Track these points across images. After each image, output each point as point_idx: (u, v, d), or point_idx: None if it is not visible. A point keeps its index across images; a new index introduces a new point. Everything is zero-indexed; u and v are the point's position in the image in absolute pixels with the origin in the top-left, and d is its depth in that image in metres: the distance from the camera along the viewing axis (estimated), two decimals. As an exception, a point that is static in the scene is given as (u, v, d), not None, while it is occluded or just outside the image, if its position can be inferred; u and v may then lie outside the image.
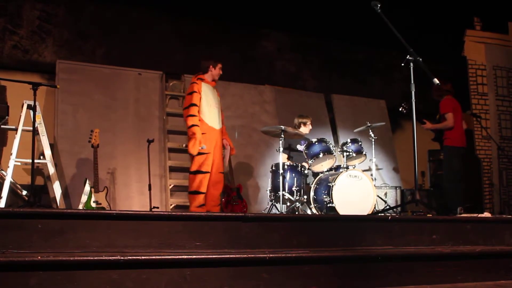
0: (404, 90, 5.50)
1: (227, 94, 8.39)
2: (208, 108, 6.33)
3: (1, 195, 5.89)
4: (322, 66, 9.81)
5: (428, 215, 4.97)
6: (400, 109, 6.94)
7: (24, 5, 7.75)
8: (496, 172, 8.62)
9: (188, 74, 8.27)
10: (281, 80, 9.42)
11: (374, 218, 4.69)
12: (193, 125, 6.18)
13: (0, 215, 2.95)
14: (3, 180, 6.14)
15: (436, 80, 5.01)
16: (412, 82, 5.01)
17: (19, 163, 6.21)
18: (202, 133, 6.19)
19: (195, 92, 6.29)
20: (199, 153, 6.16)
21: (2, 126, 6.20)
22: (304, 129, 7.33)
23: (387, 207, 7.06)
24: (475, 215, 5.53)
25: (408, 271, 3.41)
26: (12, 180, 6.13)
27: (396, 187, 8.34)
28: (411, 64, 5.03)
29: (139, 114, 7.95)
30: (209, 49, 8.52)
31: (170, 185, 7.75)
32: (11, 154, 6.12)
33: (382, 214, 5.84)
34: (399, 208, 7.07)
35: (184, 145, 6.23)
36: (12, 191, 6.44)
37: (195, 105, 6.24)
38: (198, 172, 6.20)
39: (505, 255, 3.79)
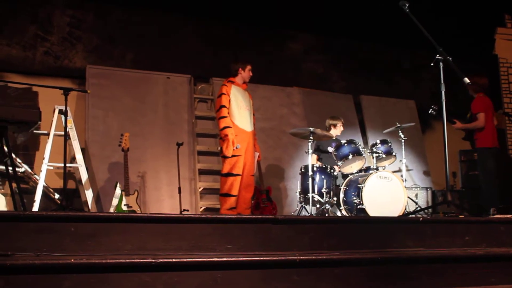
0: (433, 90, 5.45)
1: (256, 96, 8.39)
2: (238, 110, 6.35)
3: (35, 199, 5.99)
4: (350, 67, 9.75)
5: (460, 216, 4.91)
6: (430, 111, 6.86)
7: (55, 12, 7.87)
8: (530, 172, 8.47)
9: (216, 77, 8.32)
10: (309, 82, 9.39)
11: (405, 219, 4.66)
12: (225, 127, 6.22)
13: (34, 219, 2.99)
14: (36, 184, 6.25)
15: (466, 79, 4.95)
16: (442, 81, 4.96)
17: (51, 167, 6.32)
18: (235, 135, 6.22)
19: (224, 94, 6.33)
20: (233, 155, 6.18)
21: (34, 131, 6.30)
22: (335, 131, 7.30)
23: (418, 208, 6.99)
24: (509, 216, 5.44)
25: (440, 273, 3.37)
26: (45, 184, 6.23)
27: (427, 188, 8.24)
28: (441, 64, 4.97)
29: (168, 118, 8.01)
30: (237, 51, 8.54)
31: (199, 188, 7.79)
32: (43, 158, 6.23)
33: (413, 216, 5.78)
34: (430, 210, 7.00)
35: (218, 148, 6.27)
36: (45, 195, 6.55)
37: (224, 106, 6.28)
38: (230, 174, 6.21)
39: (540, 256, 3.72)
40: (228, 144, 6.14)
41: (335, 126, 7.37)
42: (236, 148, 6.16)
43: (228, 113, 6.29)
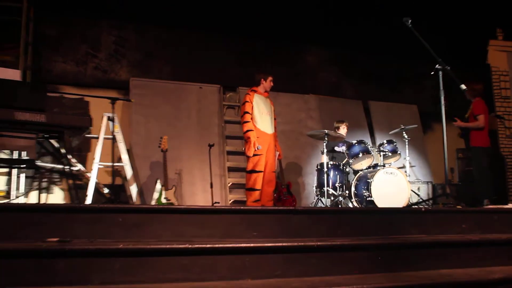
0: (434, 95, 5.39)
1: (277, 103, 8.38)
2: (260, 115, 6.37)
3: (87, 193, 6.08)
4: (360, 76, 9.70)
5: (457, 207, 4.86)
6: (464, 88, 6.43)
7: (102, 32, 7.98)
8: (519, 167, 8.35)
9: (242, 86, 8.34)
10: (324, 90, 9.37)
11: (409, 210, 4.64)
12: (248, 130, 6.25)
13: (88, 210, 3.04)
14: (89, 180, 6.33)
15: (463, 86, 4.90)
16: (441, 88, 4.91)
17: (101, 166, 6.40)
18: (256, 137, 6.24)
19: (247, 101, 6.36)
20: (254, 154, 6.21)
21: (86, 135, 6.39)
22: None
23: (420, 200, 6.94)
24: (500, 206, 5.37)
25: (440, 257, 3.34)
26: (96, 181, 6.31)
27: (428, 182, 8.17)
28: (440, 72, 4.93)
29: (201, 122, 8.05)
30: (260, 64, 8.56)
31: (229, 183, 7.82)
32: (94, 158, 6.32)
33: (416, 207, 5.74)
34: (431, 201, 6.93)
35: (243, 149, 6.30)
36: (96, 190, 6.63)
37: (247, 112, 6.31)
38: (253, 171, 6.24)
39: (529, 242, 3.67)
40: (250, 145, 6.18)
41: (338, 129, 7.34)
42: (258, 148, 6.18)
43: (251, 118, 6.32)
